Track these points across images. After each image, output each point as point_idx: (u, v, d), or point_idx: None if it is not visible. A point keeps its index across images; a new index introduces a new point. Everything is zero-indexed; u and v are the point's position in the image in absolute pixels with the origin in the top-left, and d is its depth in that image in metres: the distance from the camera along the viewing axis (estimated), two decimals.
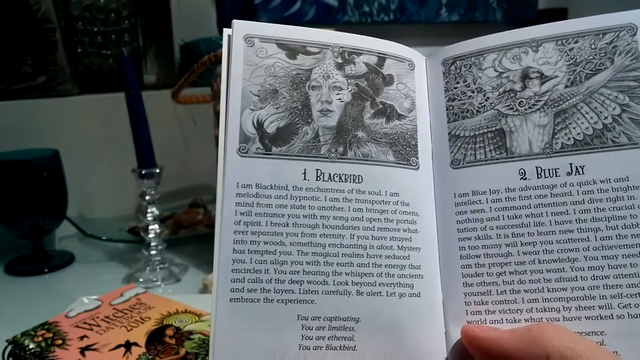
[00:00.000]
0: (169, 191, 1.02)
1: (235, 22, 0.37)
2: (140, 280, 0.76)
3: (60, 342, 0.53)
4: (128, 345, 0.53)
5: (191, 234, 0.94)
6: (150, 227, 0.78)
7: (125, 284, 0.74)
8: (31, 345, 0.52)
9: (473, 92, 0.38)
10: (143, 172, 0.75)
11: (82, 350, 0.52)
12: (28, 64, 0.94)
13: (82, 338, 0.54)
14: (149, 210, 0.77)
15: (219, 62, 0.73)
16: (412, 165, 0.37)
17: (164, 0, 1.08)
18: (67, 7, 0.99)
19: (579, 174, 0.35)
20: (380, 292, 0.34)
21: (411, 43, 0.40)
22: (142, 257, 0.79)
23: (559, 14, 1.50)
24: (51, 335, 0.54)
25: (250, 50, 0.37)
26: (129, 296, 0.63)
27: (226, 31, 0.37)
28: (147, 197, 0.77)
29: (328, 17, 1.23)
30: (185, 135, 1.06)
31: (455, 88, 0.39)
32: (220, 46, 0.39)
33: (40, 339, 0.53)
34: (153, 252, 0.78)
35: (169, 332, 0.55)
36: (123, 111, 0.75)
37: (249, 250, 0.34)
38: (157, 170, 0.76)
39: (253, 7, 1.15)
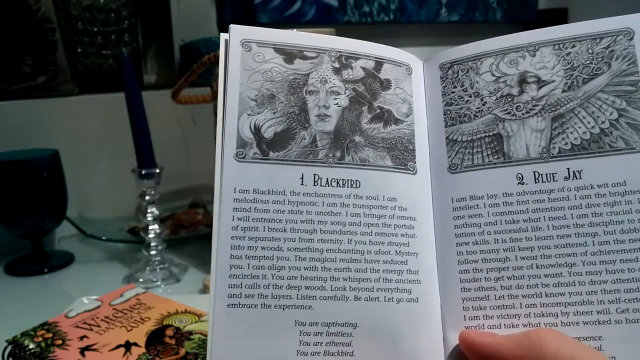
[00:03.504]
0: (169, 191, 1.02)
1: (232, 26, 0.37)
2: (140, 280, 0.76)
3: (60, 342, 0.53)
4: (128, 346, 0.53)
5: (191, 234, 0.93)
6: (150, 227, 0.78)
7: (125, 284, 0.74)
8: (31, 346, 0.52)
9: (470, 96, 0.38)
10: (143, 172, 0.75)
11: (82, 351, 0.52)
12: (28, 64, 0.93)
13: (82, 338, 0.54)
14: (149, 211, 0.77)
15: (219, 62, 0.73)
16: (410, 170, 0.37)
17: (164, 0, 1.08)
18: (67, 7, 0.99)
19: (577, 178, 0.35)
20: (378, 298, 0.34)
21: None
22: (142, 257, 0.79)
23: (559, 14, 1.49)
24: (51, 335, 0.54)
25: (247, 55, 0.37)
26: (129, 296, 0.63)
27: (223, 36, 0.37)
28: (147, 197, 0.76)
29: (328, 17, 1.22)
30: (185, 135, 1.05)
31: (453, 92, 0.39)
32: None
33: (40, 339, 0.53)
34: (153, 252, 0.78)
35: (169, 332, 0.55)
36: (123, 111, 0.75)
37: (246, 255, 0.34)
38: (157, 170, 0.76)
39: (253, 7, 1.14)
